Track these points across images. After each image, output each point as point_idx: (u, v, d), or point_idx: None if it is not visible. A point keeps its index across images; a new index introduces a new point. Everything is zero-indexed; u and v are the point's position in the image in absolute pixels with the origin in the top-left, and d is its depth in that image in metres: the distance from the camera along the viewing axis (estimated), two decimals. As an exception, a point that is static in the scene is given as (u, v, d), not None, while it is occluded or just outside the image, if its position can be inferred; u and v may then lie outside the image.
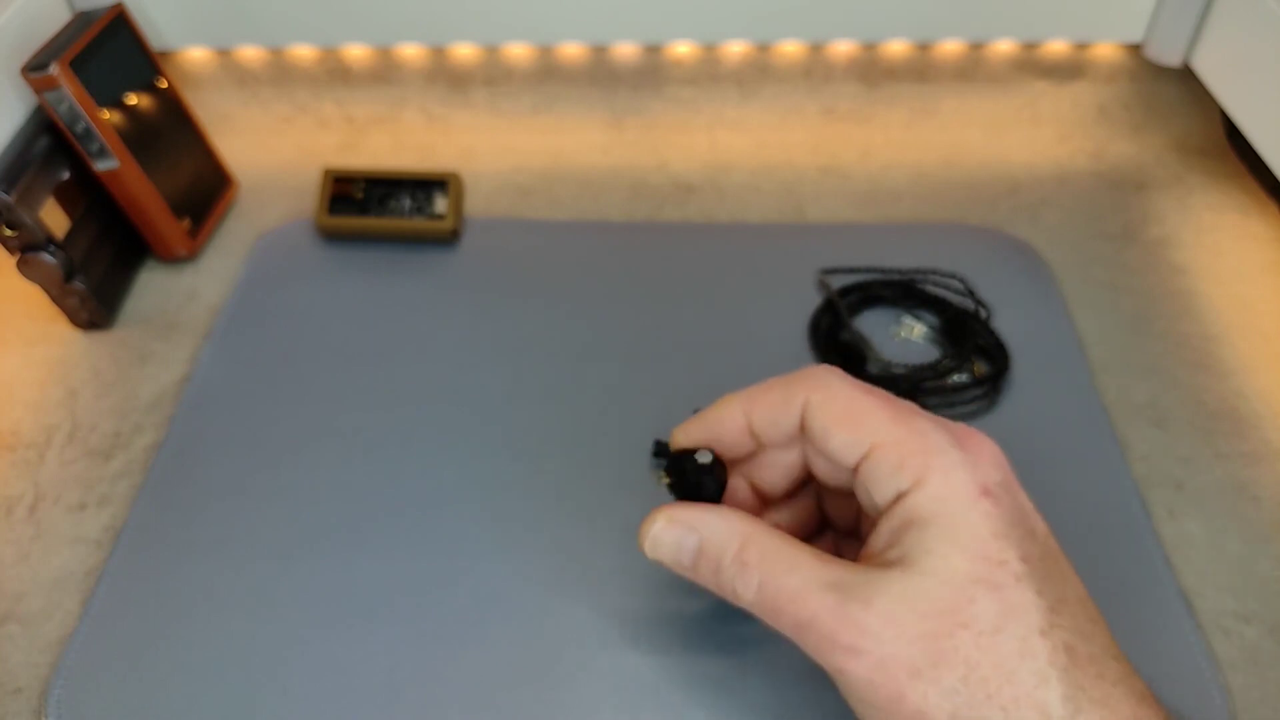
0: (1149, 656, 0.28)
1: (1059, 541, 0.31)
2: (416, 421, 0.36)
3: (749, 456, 0.27)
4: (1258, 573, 0.31)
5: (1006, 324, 0.39)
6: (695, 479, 0.26)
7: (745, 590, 0.23)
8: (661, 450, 0.28)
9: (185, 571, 0.32)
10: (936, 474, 0.23)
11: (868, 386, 0.25)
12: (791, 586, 0.22)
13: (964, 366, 0.37)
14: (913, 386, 0.36)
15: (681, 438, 0.27)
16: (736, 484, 0.28)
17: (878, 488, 0.23)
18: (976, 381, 0.36)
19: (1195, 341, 0.39)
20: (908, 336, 0.39)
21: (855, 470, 0.24)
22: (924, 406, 0.36)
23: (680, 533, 0.24)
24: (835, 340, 0.38)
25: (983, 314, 0.39)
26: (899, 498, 0.23)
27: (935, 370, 0.36)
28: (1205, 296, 0.41)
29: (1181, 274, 0.42)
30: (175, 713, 0.28)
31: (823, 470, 0.27)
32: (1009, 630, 0.21)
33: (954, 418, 0.36)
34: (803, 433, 0.25)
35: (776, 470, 0.27)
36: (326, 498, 0.34)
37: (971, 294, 0.39)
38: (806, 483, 0.28)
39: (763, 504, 0.28)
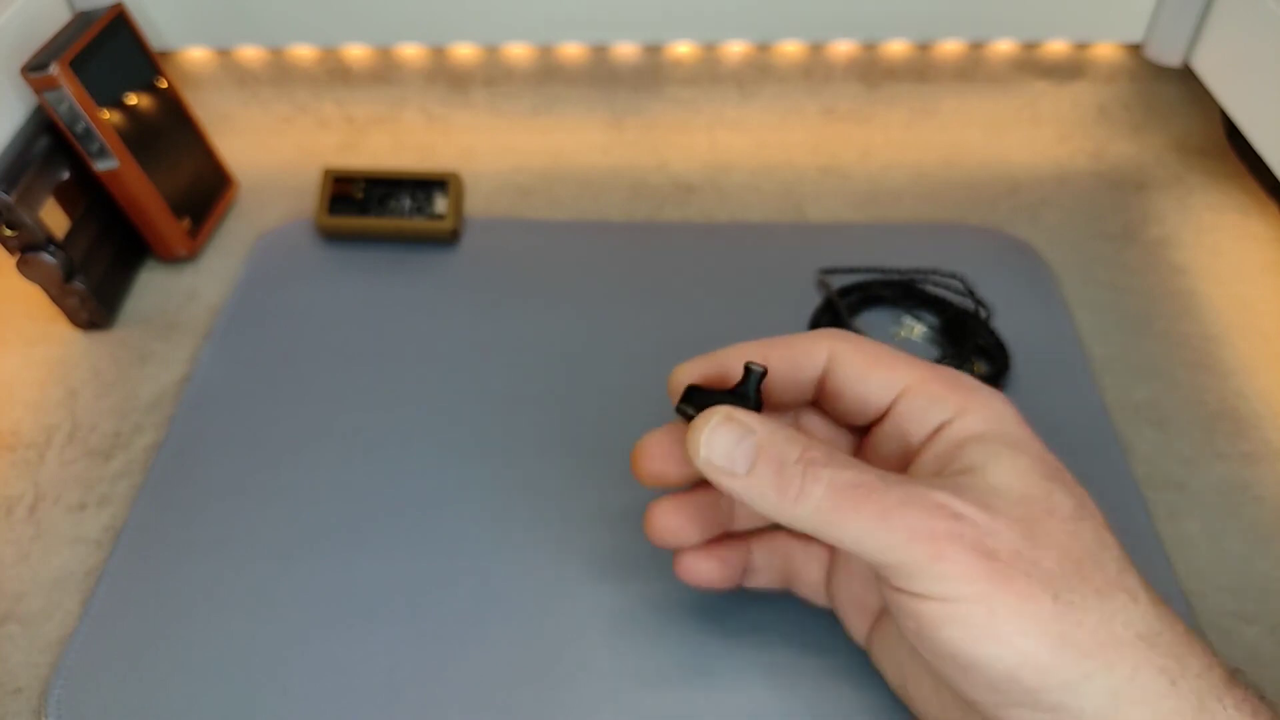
0: (1149, 656, 0.28)
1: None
2: (416, 421, 0.36)
3: None
4: (1258, 573, 0.31)
5: (1007, 324, 0.39)
6: (742, 387, 0.24)
7: (814, 486, 0.21)
8: (689, 397, 0.25)
9: (185, 571, 0.32)
10: (978, 404, 0.23)
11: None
12: (867, 480, 0.21)
13: (964, 366, 0.37)
14: None
15: (687, 372, 0.26)
16: None
17: (916, 420, 0.24)
18: None
19: (1195, 341, 0.39)
20: (908, 336, 0.39)
21: (888, 410, 0.24)
22: None
23: (739, 431, 0.22)
24: None
25: (983, 314, 0.39)
26: (940, 428, 0.23)
27: None
28: (1205, 296, 0.41)
29: (1182, 274, 0.42)
30: (175, 712, 0.28)
31: (822, 436, 0.27)
32: (1087, 521, 0.22)
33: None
34: (824, 381, 0.25)
35: None
36: (326, 498, 0.34)
37: (971, 294, 0.39)
38: None
39: None
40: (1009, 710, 0.21)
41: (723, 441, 0.22)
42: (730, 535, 0.28)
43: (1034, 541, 0.21)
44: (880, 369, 0.24)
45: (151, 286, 0.43)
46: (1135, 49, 0.48)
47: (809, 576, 0.28)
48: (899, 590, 0.22)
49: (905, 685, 0.26)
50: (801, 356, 0.25)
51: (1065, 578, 0.21)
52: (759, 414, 0.23)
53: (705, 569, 0.27)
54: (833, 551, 0.28)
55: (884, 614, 0.27)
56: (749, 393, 0.24)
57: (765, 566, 0.28)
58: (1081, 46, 0.49)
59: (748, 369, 0.24)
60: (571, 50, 0.49)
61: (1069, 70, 0.50)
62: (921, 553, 0.21)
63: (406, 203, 0.43)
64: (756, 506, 0.22)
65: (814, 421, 0.28)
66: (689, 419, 0.24)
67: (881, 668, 0.27)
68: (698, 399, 0.24)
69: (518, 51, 0.49)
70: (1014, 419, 0.24)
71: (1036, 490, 0.22)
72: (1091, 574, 0.21)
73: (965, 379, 0.24)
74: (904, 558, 0.21)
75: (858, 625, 0.27)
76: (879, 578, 0.22)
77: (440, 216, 0.43)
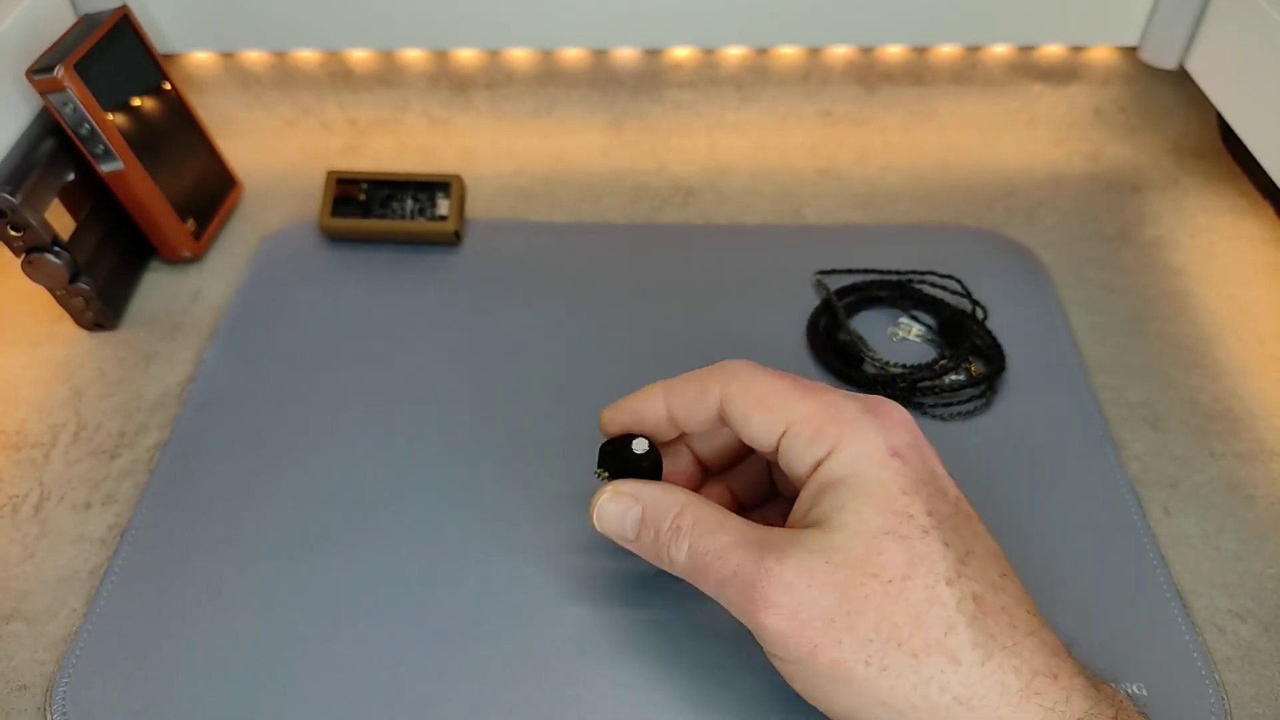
0: (1144, 654, 0.29)
1: (1055, 540, 0.32)
2: (419, 421, 0.36)
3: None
4: (1252, 571, 0.32)
5: (1003, 325, 0.39)
6: (634, 465, 0.27)
7: (678, 554, 0.25)
8: (603, 462, 0.29)
9: (189, 570, 0.32)
10: (848, 439, 0.24)
11: (779, 372, 0.26)
12: (717, 546, 0.24)
13: (960, 366, 0.37)
14: (910, 386, 0.36)
15: (609, 421, 0.28)
16: (680, 453, 0.29)
17: (796, 460, 0.24)
18: (973, 381, 0.37)
19: (1190, 342, 0.39)
20: (905, 336, 0.39)
21: (775, 448, 0.25)
22: (920, 406, 0.37)
23: (625, 504, 0.26)
24: (833, 340, 0.39)
25: (979, 314, 0.39)
26: (816, 466, 0.24)
27: (932, 370, 0.37)
28: (1200, 298, 0.41)
29: (1177, 275, 0.42)
30: (179, 710, 0.28)
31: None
32: (917, 579, 0.22)
33: (950, 417, 0.36)
34: (722, 421, 0.26)
35: (715, 443, 0.29)
36: (330, 497, 0.34)
37: (968, 294, 0.39)
38: (752, 451, 0.29)
39: (707, 473, 0.30)
40: None
41: (613, 513, 0.26)
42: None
43: (850, 608, 0.22)
44: (762, 411, 0.25)
45: (156, 287, 0.43)
46: (1131, 52, 0.49)
47: None
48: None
49: None
50: (696, 398, 0.26)
51: (880, 642, 0.22)
52: (646, 481, 0.26)
53: None
54: None
55: None
56: (642, 464, 0.27)
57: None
58: (1077, 50, 0.49)
59: (642, 455, 0.27)
60: (572, 54, 0.50)
61: (1065, 73, 0.50)
62: (749, 618, 0.23)
63: (409, 205, 0.43)
64: (648, 560, 0.26)
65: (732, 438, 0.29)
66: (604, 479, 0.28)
67: None
68: (610, 465, 0.28)
69: (519, 55, 0.50)
70: (878, 457, 0.24)
71: (867, 550, 0.22)
72: (909, 638, 0.22)
73: (844, 411, 0.24)
74: (740, 618, 0.24)
75: None
76: None
77: (442, 218, 0.43)
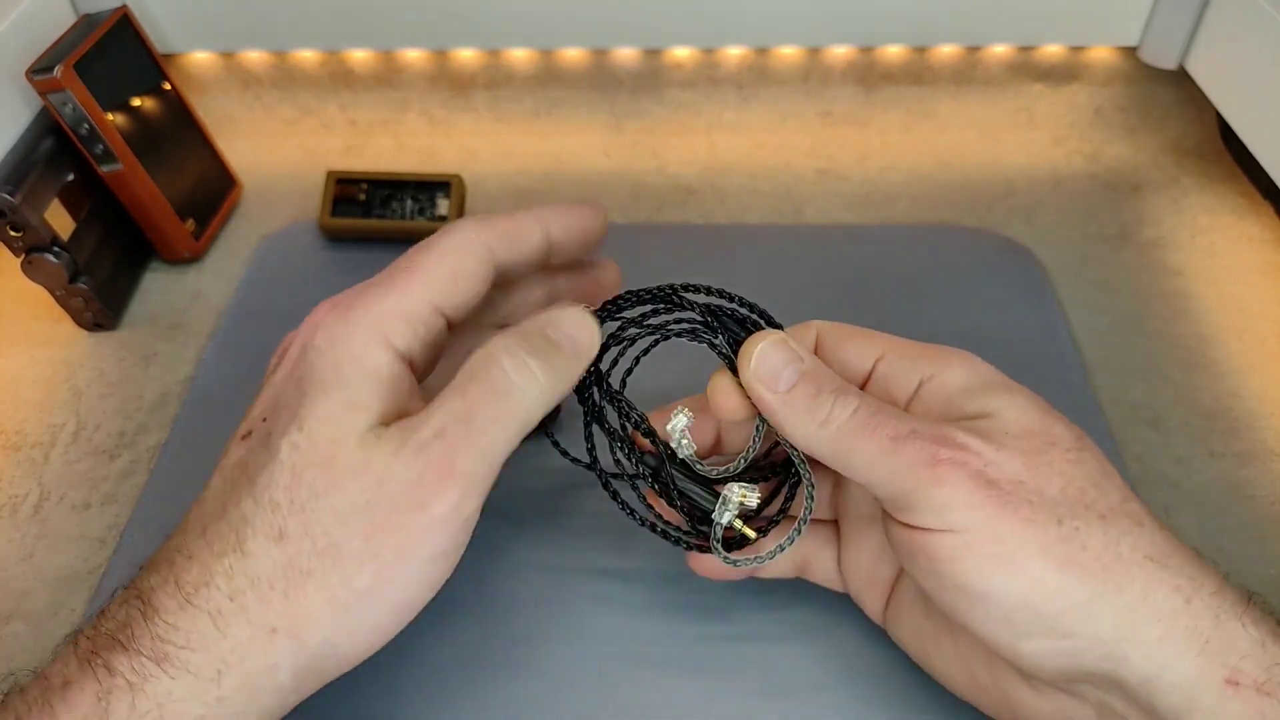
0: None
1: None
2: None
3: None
4: (1253, 572, 0.32)
5: (1001, 325, 0.39)
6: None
7: (843, 410, 0.23)
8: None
9: (189, 569, 0.32)
10: (956, 359, 0.25)
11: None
12: (886, 410, 0.23)
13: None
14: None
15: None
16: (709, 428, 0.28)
17: (898, 380, 0.25)
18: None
19: (1190, 342, 0.39)
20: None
21: (870, 375, 0.26)
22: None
23: (789, 354, 0.24)
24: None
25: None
26: (922, 383, 0.25)
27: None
28: (1200, 298, 0.41)
29: (1176, 275, 0.42)
30: (179, 708, 0.28)
31: None
32: (1088, 451, 0.23)
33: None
34: (816, 353, 0.26)
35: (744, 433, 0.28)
36: (329, 496, 0.34)
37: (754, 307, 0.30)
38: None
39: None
40: (1026, 643, 0.21)
41: (776, 359, 0.24)
42: None
43: (1037, 471, 0.22)
44: (857, 338, 0.26)
45: (156, 287, 0.43)
46: (1131, 52, 0.49)
47: (821, 561, 0.29)
48: (907, 526, 0.22)
49: (926, 652, 0.26)
50: (797, 337, 0.26)
51: (1068, 504, 0.21)
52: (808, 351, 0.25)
53: (720, 565, 0.27)
54: (842, 532, 0.28)
55: (898, 584, 0.27)
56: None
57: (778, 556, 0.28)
58: (1077, 50, 0.49)
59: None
60: (572, 54, 0.50)
61: (1065, 73, 0.50)
62: (924, 478, 0.22)
63: (409, 204, 0.43)
64: (784, 426, 0.24)
65: None
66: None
67: (901, 640, 0.27)
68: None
69: (519, 55, 0.50)
70: (992, 368, 0.25)
71: (1037, 424, 0.23)
72: (1095, 501, 0.22)
73: (929, 347, 0.25)
74: (907, 485, 0.22)
75: (873, 601, 0.28)
76: (888, 521, 0.23)
77: (442, 218, 0.43)
